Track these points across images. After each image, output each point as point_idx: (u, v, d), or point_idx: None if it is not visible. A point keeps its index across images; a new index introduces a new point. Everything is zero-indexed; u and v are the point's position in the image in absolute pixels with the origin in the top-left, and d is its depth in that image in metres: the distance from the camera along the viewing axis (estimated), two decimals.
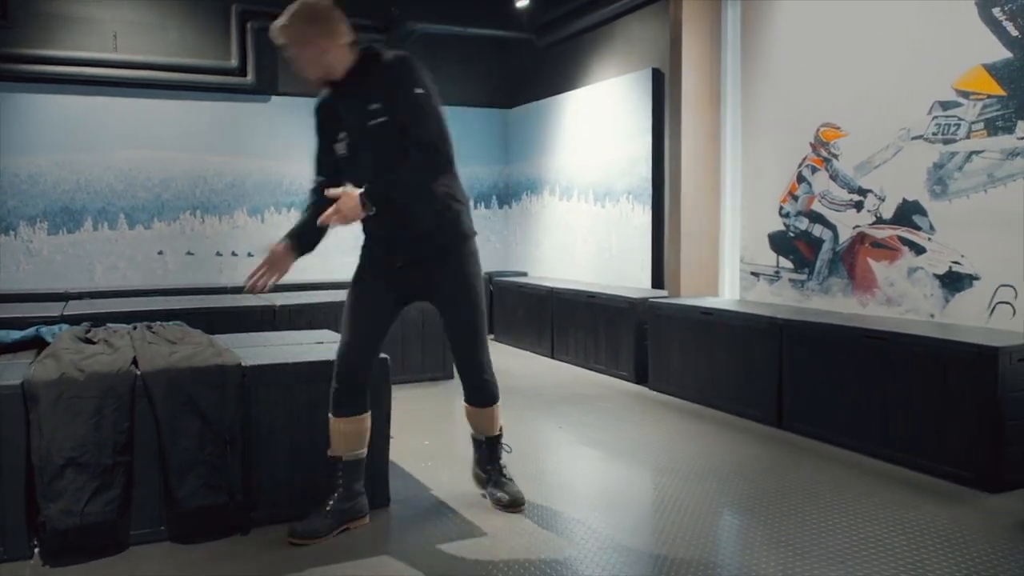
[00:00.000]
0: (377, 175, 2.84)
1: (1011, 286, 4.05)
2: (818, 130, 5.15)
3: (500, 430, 3.39)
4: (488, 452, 3.38)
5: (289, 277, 3.14)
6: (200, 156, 7.75)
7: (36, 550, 2.86)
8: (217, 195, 7.84)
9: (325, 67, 2.92)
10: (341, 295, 3.64)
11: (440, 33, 8.36)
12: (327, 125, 3.11)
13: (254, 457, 3.13)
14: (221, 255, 7.85)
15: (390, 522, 3.22)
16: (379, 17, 8.31)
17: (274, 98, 8.02)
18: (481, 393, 3.28)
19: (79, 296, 6.30)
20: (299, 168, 8.09)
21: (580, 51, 7.96)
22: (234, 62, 7.75)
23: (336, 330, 3.55)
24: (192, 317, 4.65)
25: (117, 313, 4.95)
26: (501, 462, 3.40)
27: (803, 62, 5.26)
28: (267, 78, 7.97)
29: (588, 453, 4.20)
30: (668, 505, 3.36)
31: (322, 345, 3.66)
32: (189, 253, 7.74)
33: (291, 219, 8.00)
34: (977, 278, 4.22)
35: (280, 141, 8.03)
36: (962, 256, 4.29)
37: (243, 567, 2.80)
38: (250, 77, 7.80)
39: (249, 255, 7.89)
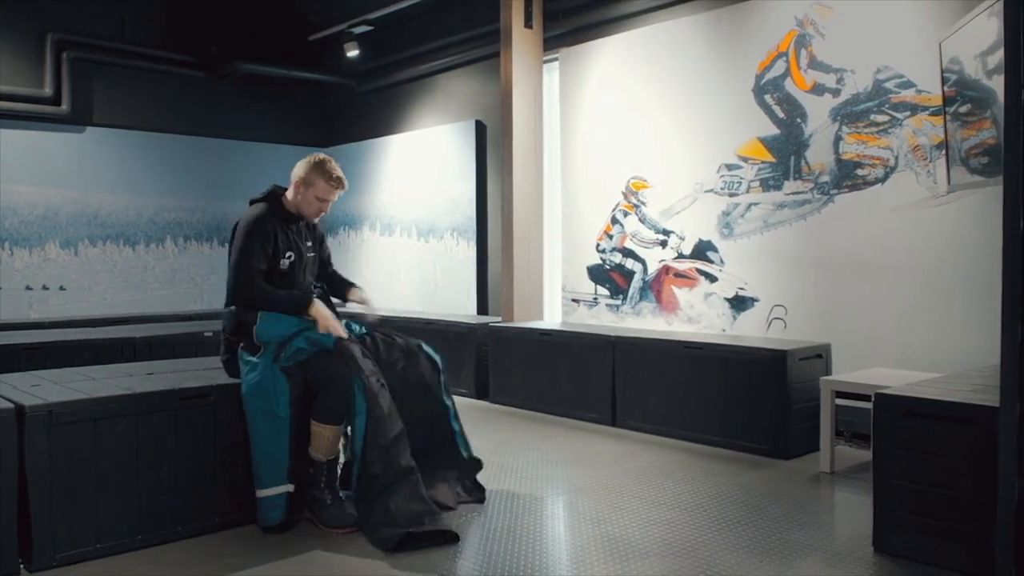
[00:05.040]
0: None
1: (782, 305, 5.35)
2: (628, 181, 6.28)
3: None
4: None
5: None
6: (9, 186, 7.40)
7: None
8: (28, 227, 7.52)
9: None
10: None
11: (258, 73, 8.66)
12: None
13: None
14: (32, 289, 7.52)
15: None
16: (200, 54, 8.47)
17: (89, 128, 7.87)
18: None
19: None
20: (115, 200, 7.99)
21: (401, 99, 8.66)
22: (48, 91, 7.54)
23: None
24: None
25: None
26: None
27: (614, 126, 6.38)
28: (82, 108, 7.82)
29: None
30: (540, 495, 4.15)
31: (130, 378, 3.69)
32: None
33: (107, 252, 7.91)
34: (757, 300, 5.50)
35: (96, 172, 7.89)
36: (745, 283, 5.56)
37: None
38: (65, 106, 7.62)
39: (61, 288, 7.65)
